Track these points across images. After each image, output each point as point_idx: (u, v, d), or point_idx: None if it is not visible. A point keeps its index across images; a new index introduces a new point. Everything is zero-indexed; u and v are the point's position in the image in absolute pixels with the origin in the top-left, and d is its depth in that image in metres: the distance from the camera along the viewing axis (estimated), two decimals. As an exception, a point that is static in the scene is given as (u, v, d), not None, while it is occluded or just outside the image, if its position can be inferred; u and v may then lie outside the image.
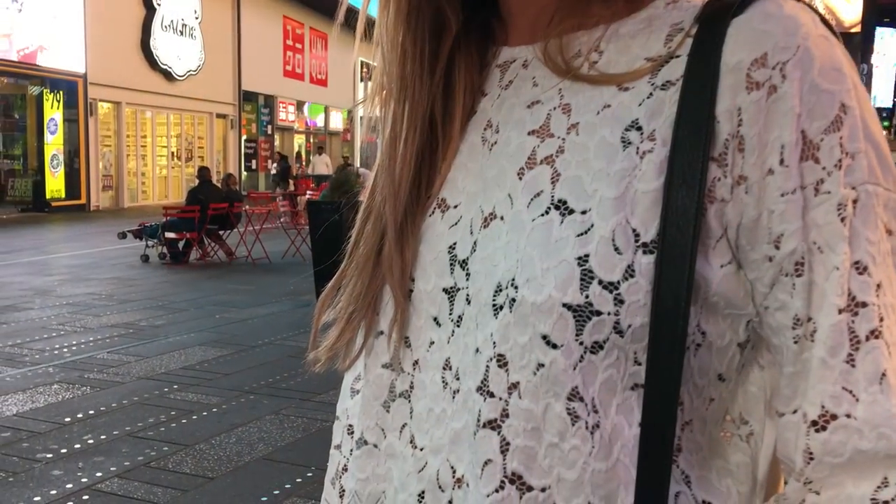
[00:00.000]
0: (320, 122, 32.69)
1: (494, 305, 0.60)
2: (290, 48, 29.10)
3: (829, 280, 0.55)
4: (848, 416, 0.54)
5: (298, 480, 3.78)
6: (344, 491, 0.80)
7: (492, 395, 0.59)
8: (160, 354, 6.09)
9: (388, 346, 0.70)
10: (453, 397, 0.64)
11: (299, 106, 30.32)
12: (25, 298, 8.28)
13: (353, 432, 0.80)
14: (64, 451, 4.10)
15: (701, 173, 0.55)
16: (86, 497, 3.55)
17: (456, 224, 0.67)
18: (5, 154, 19.09)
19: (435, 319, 0.67)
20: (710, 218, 0.56)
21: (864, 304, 0.55)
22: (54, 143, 19.11)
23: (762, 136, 0.55)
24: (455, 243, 0.66)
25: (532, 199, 0.61)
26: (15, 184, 19.03)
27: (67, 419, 4.58)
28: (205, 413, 4.75)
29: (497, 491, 0.58)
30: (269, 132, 28.43)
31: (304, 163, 27.25)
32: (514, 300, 0.58)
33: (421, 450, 0.67)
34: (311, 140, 31.87)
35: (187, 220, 11.12)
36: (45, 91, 18.71)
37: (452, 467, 0.63)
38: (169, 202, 19.03)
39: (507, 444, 0.58)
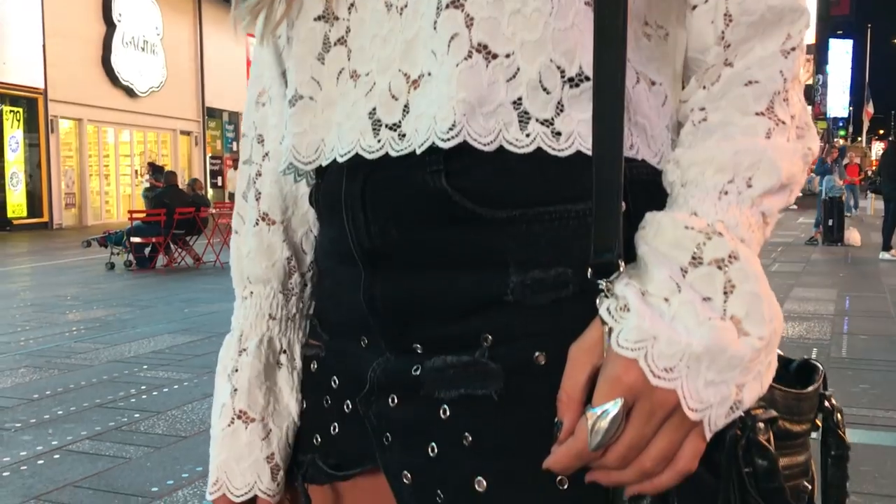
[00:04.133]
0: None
1: None
2: (254, 65, 29.04)
3: None
4: None
5: (273, 436, 3.76)
6: (260, 195, 0.82)
7: None
8: (129, 342, 6.03)
9: None
10: (400, 13, 0.66)
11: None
12: (-12, 301, 8.14)
13: (262, 141, 0.81)
14: (33, 420, 4.04)
15: None
16: (56, 456, 3.51)
17: None
18: (-36, 173, 18.81)
19: None
20: None
21: None
22: (15, 161, 18.86)
23: None
24: None
25: None
26: (-25, 203, 18.73)
27: (35, 395, 4.52)
28: (176, 386, 4.71)
29: (465, 59, 0.62)
30: (235, 149, 28.31)
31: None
32: None
33: (366, 75, 0.68)
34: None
35: (153, 224, 11.02)
36: (4, 109, 18.47)
37: (406, 74, 0.66)
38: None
39: (472, 18, 0.62)
